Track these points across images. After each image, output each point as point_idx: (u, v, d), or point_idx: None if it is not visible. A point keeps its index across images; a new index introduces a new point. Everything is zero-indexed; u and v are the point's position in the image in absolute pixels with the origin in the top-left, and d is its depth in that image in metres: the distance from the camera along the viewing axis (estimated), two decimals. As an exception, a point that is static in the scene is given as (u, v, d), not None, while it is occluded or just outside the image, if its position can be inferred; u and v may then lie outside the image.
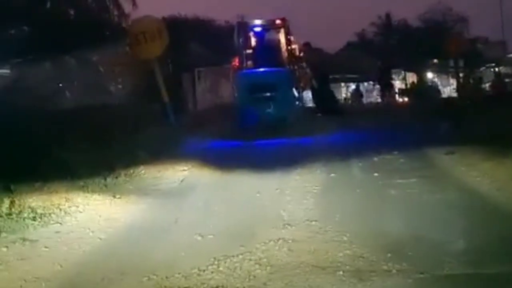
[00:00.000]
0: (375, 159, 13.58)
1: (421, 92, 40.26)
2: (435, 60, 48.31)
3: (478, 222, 8.18)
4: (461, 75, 36.25)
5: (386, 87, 41.27)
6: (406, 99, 41.36)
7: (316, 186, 11.18)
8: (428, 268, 6.46)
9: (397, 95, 43.63)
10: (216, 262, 7.01)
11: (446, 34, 44.54)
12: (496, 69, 44.32)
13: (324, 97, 26.38)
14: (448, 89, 45.36)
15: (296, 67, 23.40)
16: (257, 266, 6.86)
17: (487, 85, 35.87)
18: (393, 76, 41.69)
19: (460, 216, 8.50)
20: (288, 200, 10.24)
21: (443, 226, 7.97)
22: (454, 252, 6.94)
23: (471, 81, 34.83)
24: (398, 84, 51.85)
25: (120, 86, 25.07)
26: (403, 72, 51.26)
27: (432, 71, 50.44)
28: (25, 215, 9.46)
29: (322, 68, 29.37)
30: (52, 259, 7.58)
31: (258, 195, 10.84)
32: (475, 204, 9.33)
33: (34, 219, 9.31)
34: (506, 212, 8.72)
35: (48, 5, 31.24)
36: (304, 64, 25.30)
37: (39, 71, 20.64)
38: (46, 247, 8.10)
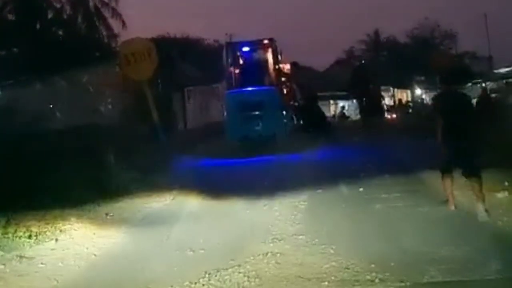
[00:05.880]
0: (361, 174, 13.83)
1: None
2: (422, 77, 48.71)
3: (458, 233, 8.50)
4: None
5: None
6: (394, 115, 41.55)
7: (304, 202, 11.48)
8: (409, 277, 6.76)
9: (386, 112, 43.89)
10: (207, 276, 7.28)
11: (434, 50, 44.86)
12: (483, 84, 44.58)
13: (312, 115, 26.63)
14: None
15: (283, 85, 23.69)
16: (246, 278, 7.14)
17: (474, 101, 36.05)
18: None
19: (441, 227, 8.84)
20: (276, 215, 10.51)
21: (425, 238, 8.29)
22: (435, 261, 7.23)
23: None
24: (387, 101, 52.32)
25: (110, 106, 25.24)
26: (391, 89, 51.66)
27: (420, 88, 50.83)
28: (21, 233, 9.75)
29: (310, 86, 29.56)
30: (49, 275, 7.85)
31: (247, 211, 11.13)
32: (455, 217, 9.64)
33: (29, 237, 9.60)
34: (484, 224, 9.05)
35: (38, 26, 31.56)
36: (292, 84, 25.61)
37: (30, 92, 20.82)
38: (42, 263, 8.38)
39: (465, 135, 9.92)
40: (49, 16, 33.03)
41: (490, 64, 52.99)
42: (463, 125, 9.99)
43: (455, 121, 9.98)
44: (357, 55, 60.71)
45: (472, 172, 9.80)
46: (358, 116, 36.03)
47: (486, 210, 9.34)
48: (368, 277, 6.90)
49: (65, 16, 33.78)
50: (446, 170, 10.27)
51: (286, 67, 24.56)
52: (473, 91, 40.54)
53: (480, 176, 9.76)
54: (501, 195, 10.45)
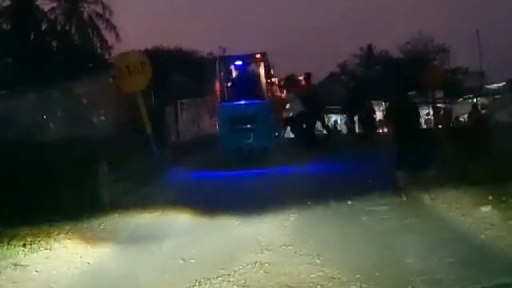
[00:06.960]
0: (350, 187, 13.96)
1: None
2: (414, 92, 48.86)
3: (442, 244, 8.75)
4: (439, 106, 36.79)
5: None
6: (385, 129, 41.66)
7: (293, 214, 11.67)
8: (393, 287, 6.99)
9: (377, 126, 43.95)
10: (197, 284, 7.51)
11: (426, 65, 45.09)
12: (474, 100, 44.94)
13: (306, 128, 26.62)
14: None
15: (276, 98, 23.89)
16: (235, 287, 7.38)
17: (465, 116, 36.34)
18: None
19: (426, 239, 9.08)
20: (265, 226, 10.73)
21: (410, 248, 8.52)
22: (418, 271, 7.46)
23: (441, 112, 35.37)
24: (379, 115, 52.47)
25: (103, 118, 25.34)
26: (383, 103, 51.82)
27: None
28: (16, 242, 9.94)
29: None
30: (43, 282, 8.06)
31: (237, 222, 11.33)
32: (439, 228, 9.89)
33: (24, 246, 9.79)
34: (468, 236, 9.30)
35: (32, 37, 31.79)
36: (285, 97, 25.79)
37: (23, 103, 20.91)
38: (36, 271, 8.58)
39: (410, 141, 10.68)
40: (43, 27, 33.32)
41: (482, 79, 53.34)
42: (409, 132, 10.74)
43: (403, 128, 10.77)
44: (350, 69, 61.08)
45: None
46: (350, 131, 36.06)
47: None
48: (353, 286, 7.14)
49: (59, 27, 34.06)
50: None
51: (279, 80, 24.75)
52: (464, 106, 40.91)
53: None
54: (485, 209, 10.69)
